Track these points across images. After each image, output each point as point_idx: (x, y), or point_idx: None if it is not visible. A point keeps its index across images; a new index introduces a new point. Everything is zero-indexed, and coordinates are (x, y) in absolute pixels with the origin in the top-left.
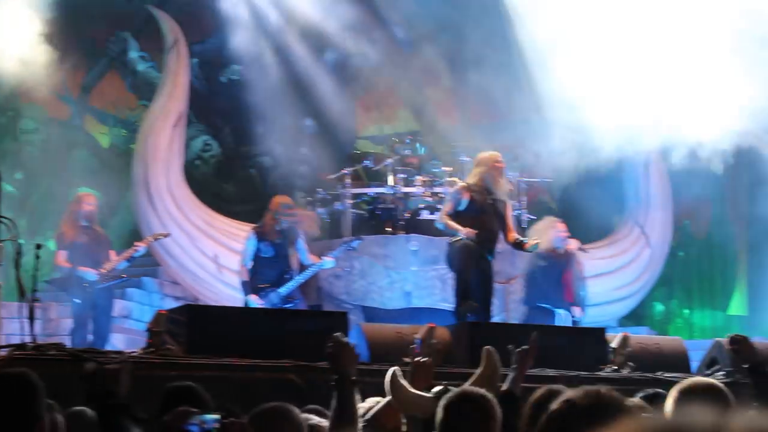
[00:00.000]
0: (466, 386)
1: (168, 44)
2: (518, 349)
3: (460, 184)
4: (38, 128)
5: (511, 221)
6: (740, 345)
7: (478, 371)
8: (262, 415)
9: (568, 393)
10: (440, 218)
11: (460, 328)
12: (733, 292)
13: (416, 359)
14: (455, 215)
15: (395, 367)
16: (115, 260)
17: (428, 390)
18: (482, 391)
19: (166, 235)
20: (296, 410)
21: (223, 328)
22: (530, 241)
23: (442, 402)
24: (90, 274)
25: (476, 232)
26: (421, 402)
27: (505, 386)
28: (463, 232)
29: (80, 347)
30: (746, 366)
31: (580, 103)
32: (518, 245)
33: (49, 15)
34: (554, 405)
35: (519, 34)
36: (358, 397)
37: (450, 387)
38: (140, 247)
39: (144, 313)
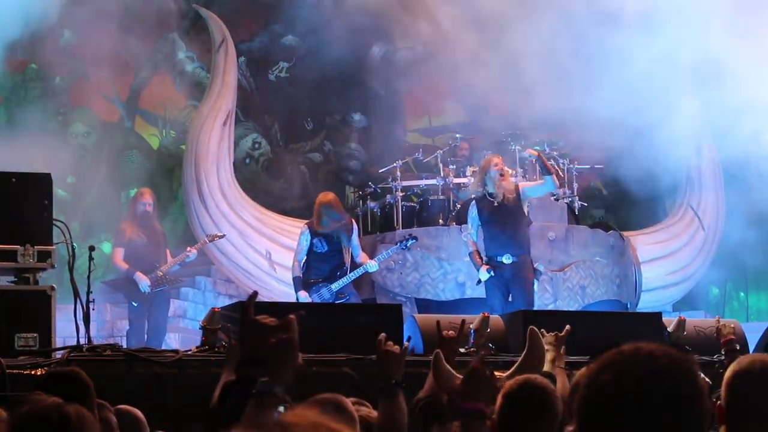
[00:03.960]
0: (525, 376)
1: (215, 44)
2: (551, 334)
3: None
4: (89, 131)
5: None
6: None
7: (523, 354)
8: (315, 405)
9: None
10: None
11: (515, 316)
12: None
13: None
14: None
15: (438, 350)
16: (168, 264)
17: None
18: (543, 381)
19: (220, 237)
20: (348, 401)
21: None
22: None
23: (503, 391)
24: (144, 284)
25: (489, 267)
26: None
27: (546, 368)
28: (482, 270)
29: (135, 347)
30: None
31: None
32: None
33: None
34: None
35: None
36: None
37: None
38: (192, 252)
39: (198, 312)
